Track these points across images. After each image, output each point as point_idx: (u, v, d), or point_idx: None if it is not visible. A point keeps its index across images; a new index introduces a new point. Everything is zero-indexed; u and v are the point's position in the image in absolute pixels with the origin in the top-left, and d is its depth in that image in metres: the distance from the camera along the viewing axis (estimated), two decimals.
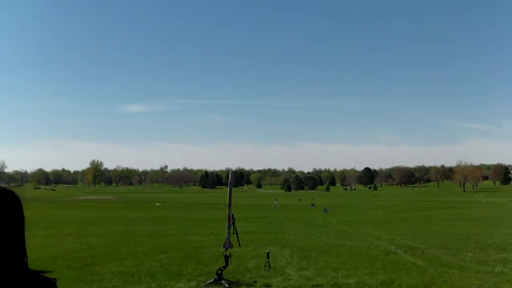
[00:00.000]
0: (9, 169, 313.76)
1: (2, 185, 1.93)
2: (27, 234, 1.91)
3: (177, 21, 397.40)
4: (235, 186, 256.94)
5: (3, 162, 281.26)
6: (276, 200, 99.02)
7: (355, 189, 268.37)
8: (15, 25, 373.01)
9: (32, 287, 1.86)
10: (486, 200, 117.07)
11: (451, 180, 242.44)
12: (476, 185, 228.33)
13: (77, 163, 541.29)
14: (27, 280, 1.86)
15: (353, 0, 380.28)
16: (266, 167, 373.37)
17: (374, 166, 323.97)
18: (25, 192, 2.08)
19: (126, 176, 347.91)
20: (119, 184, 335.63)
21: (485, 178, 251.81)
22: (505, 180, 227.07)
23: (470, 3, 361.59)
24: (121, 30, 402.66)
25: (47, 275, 1.95)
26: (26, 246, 1.94)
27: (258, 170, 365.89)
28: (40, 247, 19.19)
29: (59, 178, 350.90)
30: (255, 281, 12.35)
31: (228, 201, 13.08)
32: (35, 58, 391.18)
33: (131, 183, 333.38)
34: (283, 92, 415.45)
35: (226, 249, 12.79)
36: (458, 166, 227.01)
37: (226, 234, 13.08)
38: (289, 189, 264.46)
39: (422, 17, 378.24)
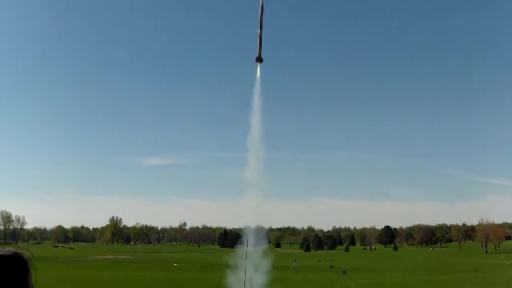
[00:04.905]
0: (29, 225, 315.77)
1: (11, 248, 1.86)
2: None
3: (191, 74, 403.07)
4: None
5: (23, 219, 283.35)
6: (295, 261, 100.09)
7: (374, 249, 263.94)
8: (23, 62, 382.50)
9: None
10: (509, 262, 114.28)
11: (473, 240, 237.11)
12: (499, 246, 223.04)
13: (96, 219, 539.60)
14: None
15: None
16: (285, 225, 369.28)
17: (394, 223, 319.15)
18: (33, 252, 1.99)
19: (145, 234, 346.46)
20: (137, 243, 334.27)
21: (508, 238, 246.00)
22: None
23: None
24: (140, 83, 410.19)
25: None
26: None
27: (277, 228, 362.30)
28: None
29: (78, 235, 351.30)
30: None
31: (245, 263, 13.22)
32: (50, 114, 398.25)
33: (149, 242, 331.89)
34: (298, 144, 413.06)
35: None
36: (480, 225, 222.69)
37: None
38: (308, 249, 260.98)
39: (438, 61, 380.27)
